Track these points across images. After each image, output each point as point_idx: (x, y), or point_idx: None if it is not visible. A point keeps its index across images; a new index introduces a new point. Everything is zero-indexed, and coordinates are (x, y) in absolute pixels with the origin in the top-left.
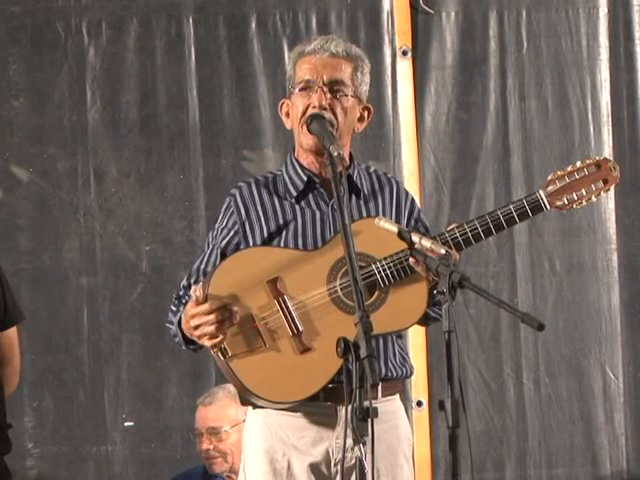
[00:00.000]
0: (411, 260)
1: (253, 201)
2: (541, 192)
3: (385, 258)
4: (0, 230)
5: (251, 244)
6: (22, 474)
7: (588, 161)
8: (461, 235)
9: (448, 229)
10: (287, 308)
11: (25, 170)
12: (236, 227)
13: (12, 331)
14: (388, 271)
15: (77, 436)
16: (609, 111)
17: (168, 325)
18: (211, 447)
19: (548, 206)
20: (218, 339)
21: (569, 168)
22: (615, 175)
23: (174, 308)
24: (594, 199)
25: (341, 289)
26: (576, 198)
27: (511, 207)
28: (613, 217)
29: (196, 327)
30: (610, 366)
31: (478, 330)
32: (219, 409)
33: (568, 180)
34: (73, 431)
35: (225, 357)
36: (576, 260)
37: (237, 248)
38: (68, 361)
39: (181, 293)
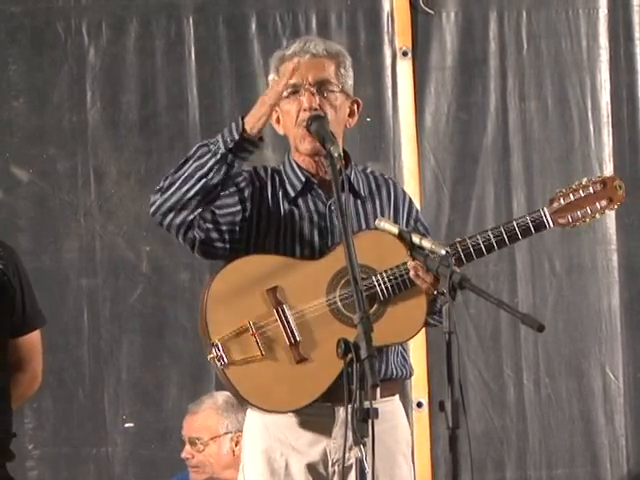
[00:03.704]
0: (411, 273)
1: (261, 185)
2: (545, 210)
3: (386, 271)
4: (0, 230)
5: (247, 230)
6: (22, 475)
7: (594, 179)
8: (463, 250)
9: (450, 243)
10: (286, 317)
11: (25, 170)
12: (246, 192)
13: (33, 336)
14: (388, 284)
15: (77, 437)
16: (609, 112)
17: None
18: (190, 456)
19: (552, 224)
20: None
21: (574, 185)
22: (620, 194)
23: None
24: (598, 217)
25: (340, 300)
26: (580, 216)
27: (514, 223)
28: (613, 217)
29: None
30: (610, 366)
31: (478, 330)
32: (200, 420)
33: (573, 198)
34: (73, 432)
35: (222, 365)
36: (576, 260)
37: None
38: (68, 362)
39: None
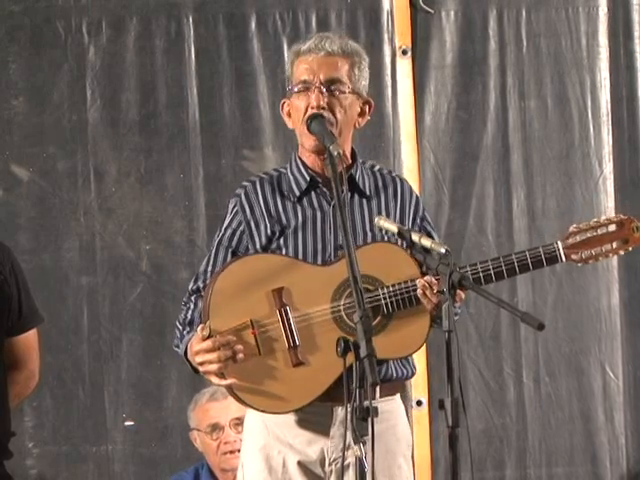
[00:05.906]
0: (419, 292)
1: (257, 199)
2: (560, 244)
3: (393, 285)
4: (0, 230)
5: (257, 242)
6: (22, 474)
7: (612, 218)
8: (472, 274)
9: (460, 267)
10: (288, 320)
11: (25, 169)
12: (242, 227)
13: (30, 334)
14: (394, 299)
15: (77, 436)
16: (609, 110)
17: (175, 349)
18: (239, 437)
19: (564, 259)
20: (226, 382)
21: (591, 223)
22: (637, 236)
23: (180, 327)
24: (611, 257)
25: (344, 309)
26: (593, 254)
27: (527, 254)
28: None
29: (201, 363)
30: (610, 365)
31: (478, 329)
32: (234, 402)
33: (589, 235)
34: (73, 431)
35: None
36: None
37: (247, 248)
38: (68, 361)
39: (185, 299)
